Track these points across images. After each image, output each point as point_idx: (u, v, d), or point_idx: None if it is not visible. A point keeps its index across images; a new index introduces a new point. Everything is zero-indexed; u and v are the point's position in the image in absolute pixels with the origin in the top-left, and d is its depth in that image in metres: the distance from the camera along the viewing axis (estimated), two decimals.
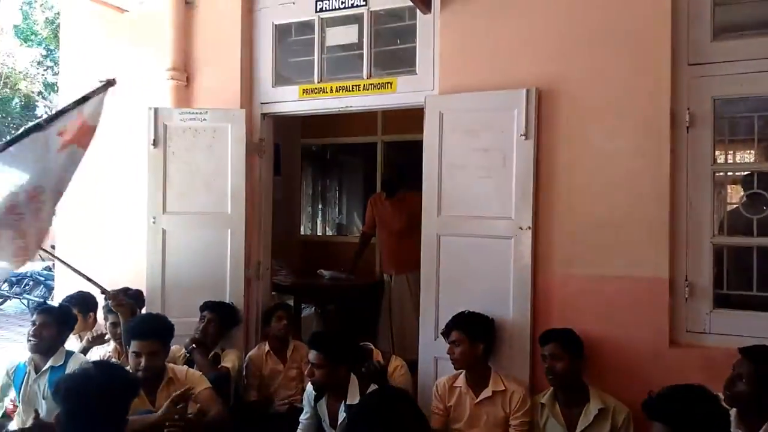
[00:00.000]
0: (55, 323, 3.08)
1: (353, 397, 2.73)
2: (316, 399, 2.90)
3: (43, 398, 2.96)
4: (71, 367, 2.97)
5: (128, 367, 2.76)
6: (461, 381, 2.87)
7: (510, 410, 2.78)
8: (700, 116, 2.80)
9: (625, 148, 2.85)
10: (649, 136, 2.80)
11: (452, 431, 2.81)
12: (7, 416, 3.29)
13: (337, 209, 6.51)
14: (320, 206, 7.01)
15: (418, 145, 3.34)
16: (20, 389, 3.03)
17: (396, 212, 4.61)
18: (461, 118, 3.17)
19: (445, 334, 2.92)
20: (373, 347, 3.30)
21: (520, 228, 3.02)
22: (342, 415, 2.76)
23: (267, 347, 3.69)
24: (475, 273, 3.14)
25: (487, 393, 2.79)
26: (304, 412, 3.00)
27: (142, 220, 3.82)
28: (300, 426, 2.97)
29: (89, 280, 3.18)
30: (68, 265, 3.21)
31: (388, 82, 3.53)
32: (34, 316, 3.12)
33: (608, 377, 2.79)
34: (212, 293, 3.70)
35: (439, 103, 3.24)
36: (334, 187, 6.93)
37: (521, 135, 3.00)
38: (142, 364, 2.71)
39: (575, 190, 2.96)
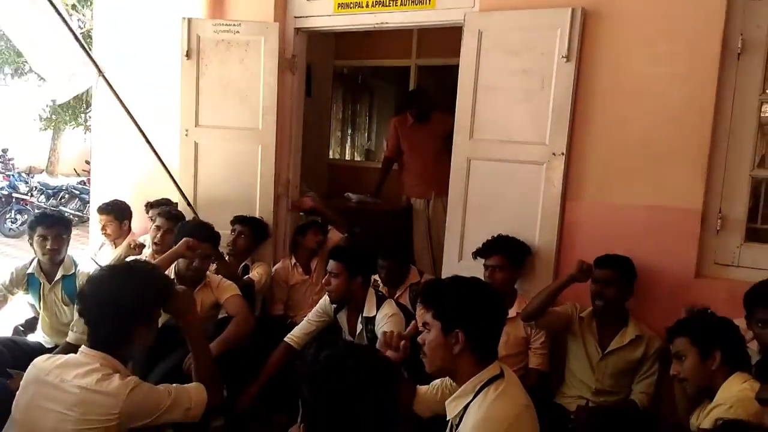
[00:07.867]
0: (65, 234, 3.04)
1: (370, 311, 2.79)
2: (336, 311, 2.97)
3: (64, 304, 3.07)
4: (80, 275, 3.08)
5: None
6: None
7: (530, 333, 2.84)
8: (752, 43, 2.66)
9: (671, 75, 2.75)
10: (697, 63, 2.69)
11: None
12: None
13: (366, 134, 6.44)
14: (349, 131, 6.97)
15: (451, 71, 3.26)
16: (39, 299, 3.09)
17: (427, 134, 4.53)
18: (501, 38, 3.07)
19: (484, 254, 2.96)
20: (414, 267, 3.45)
21: (553, 154, 2.98)
22: (360, 327, 2.85)
23: (293, 260, 3.80)
24: (503, 198, 3.14)
25: (511, 313, 2.82)
26: (314, 311, 2.98)
27: (176, 132, 3.86)
28: (307, 318, 2.97)
29: None
30: None
31: None
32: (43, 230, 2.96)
33: (632, 304, 2.79)
34: (242, 208, 3.79)
35: (479, 20, 3.13)
36: (364, 112, 6.84)
37: (562, 57, 2.90)
38: (195, 263, 2.83)
39: (613, 116, 2.89)
